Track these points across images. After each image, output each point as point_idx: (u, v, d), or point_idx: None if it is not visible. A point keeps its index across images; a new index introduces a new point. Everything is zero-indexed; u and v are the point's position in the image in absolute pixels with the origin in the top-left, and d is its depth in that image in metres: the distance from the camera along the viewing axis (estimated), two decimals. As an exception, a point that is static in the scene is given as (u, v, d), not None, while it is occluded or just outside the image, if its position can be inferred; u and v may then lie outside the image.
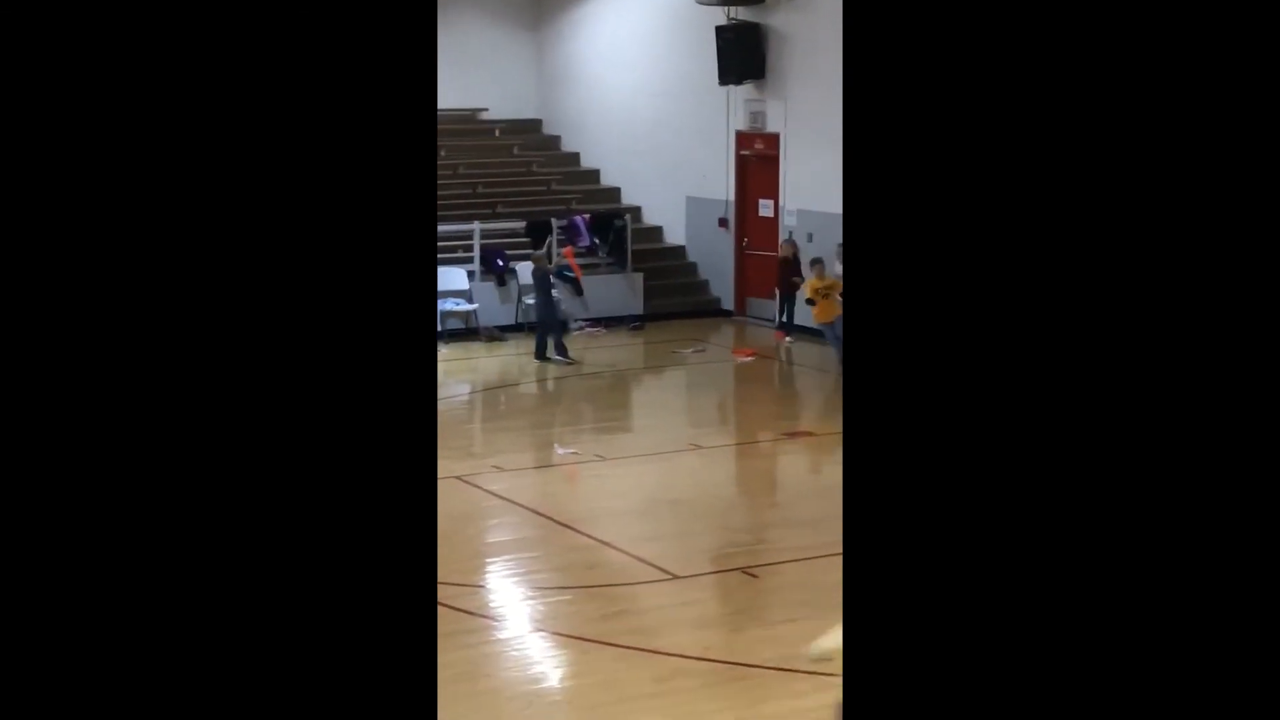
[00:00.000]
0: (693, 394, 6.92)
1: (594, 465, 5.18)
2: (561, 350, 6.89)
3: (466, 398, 6.78)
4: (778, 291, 7.41)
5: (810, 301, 6.96)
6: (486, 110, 9.31)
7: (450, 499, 4.31)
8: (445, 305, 7.32)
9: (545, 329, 7.00)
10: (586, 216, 8.29)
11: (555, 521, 4.33)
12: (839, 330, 6.48)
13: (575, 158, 9.40)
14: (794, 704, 2.77)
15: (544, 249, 7.60)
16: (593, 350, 7.39)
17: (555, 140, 9.56)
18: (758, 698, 2.88)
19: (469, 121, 9.15)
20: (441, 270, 7.08)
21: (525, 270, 7.49)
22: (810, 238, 7.39)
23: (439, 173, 7.24)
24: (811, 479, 5.11)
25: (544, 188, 8.93)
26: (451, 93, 7.62)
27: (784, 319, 7.36)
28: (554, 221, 8.03)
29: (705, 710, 2.84)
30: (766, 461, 5.67)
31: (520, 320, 7.67)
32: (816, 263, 7.08)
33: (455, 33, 8.33)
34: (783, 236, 7.61)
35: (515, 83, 9.47)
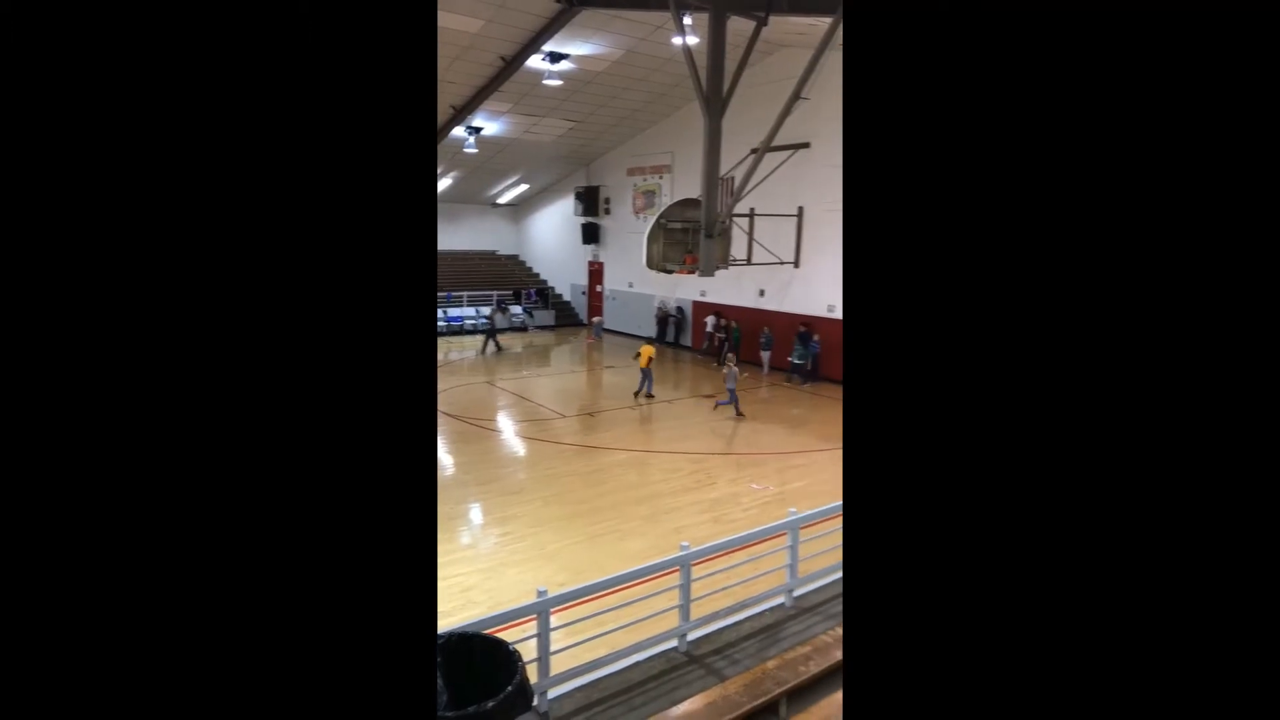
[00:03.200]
0: (574, 346, 20.62)
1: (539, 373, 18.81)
2: (497, 345, 19.13)
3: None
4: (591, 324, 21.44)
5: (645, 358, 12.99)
6: (497, 250, 23.87)
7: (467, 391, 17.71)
8: (480, 321, 21.13)
9: (491, 335, 19.67)
10: (535, 289, 22.54)
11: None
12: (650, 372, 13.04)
13: (529, 269, 23.88)
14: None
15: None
16: (538, 337, 21.21)
17: (521, 260, 24.09)
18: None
19: (489, 256, 23.58)
20: (485, 307, 21.04)
21: (515, 309, 21.48)
22: (614, 297, 21.40)
23: (482, 273, 22.15)
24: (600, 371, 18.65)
25: (518, 279, 23.23)
26: (483, 243, 22.43)
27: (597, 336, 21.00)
28: (523, 291, 22.15)
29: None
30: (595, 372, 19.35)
31: (508, 327, 21.48)
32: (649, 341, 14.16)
33: (489, 220, 23.19)
34: (606, 300, 21.63)
35: (509, 240, 24.13)
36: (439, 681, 3.20)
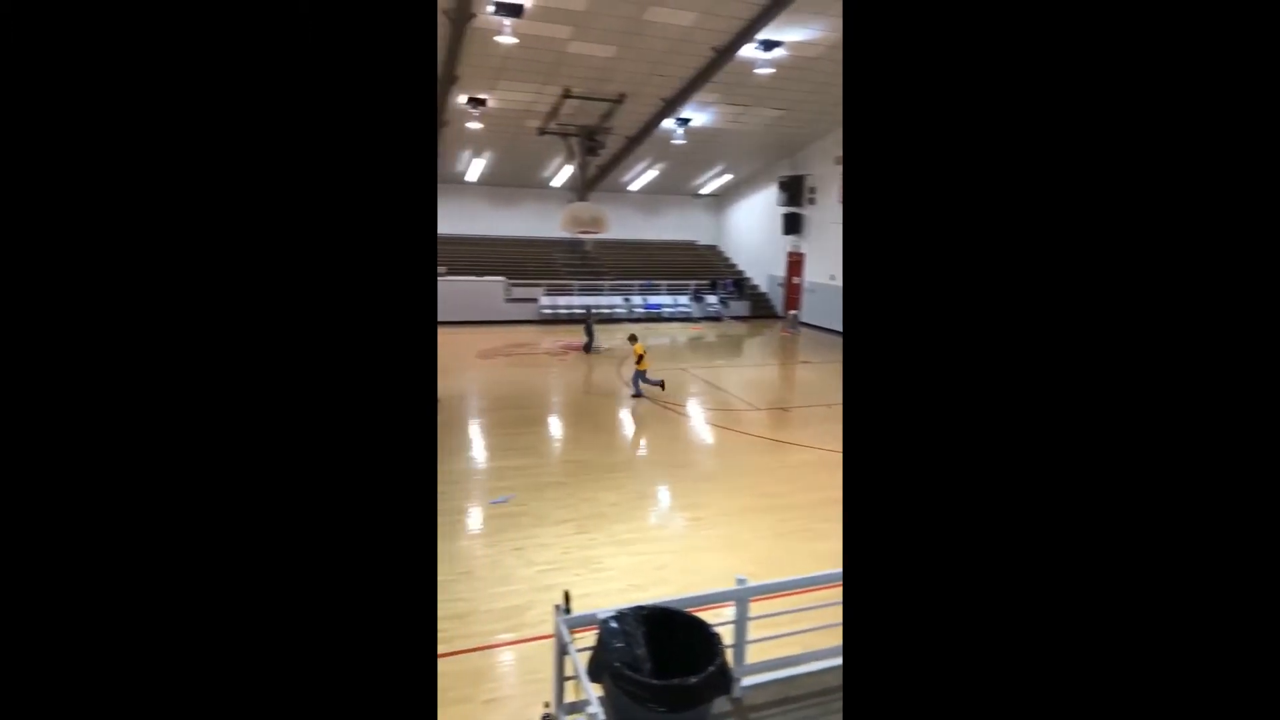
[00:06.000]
0: (770, 335, 20.33)
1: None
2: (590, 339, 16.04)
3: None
4: (790, 312, 20.93)
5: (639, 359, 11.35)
6: (696, 240, 24.33)
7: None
8: (676, 309, 21.67)
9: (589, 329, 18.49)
10: (731, 279, 22.64)
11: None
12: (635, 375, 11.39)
13: (727, 259, 24.04)
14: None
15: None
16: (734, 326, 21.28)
17: (719, 251, 24.31)
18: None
19: (690, 247, 24.10)
20: (682, 295, 21.54)
21: (710, 299, 21.76)
22: (813, 289, 20.78)
23: (680, 263, 22.75)
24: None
25: (715, 269, 23.45)
26: (683, 233, 23.00)
27: (795, 324, 20.66)
28: (719, 281, 22.34)
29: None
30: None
31: (703, 316, 21.79)
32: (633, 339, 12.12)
33: (690, 211, 23.66)
34: (806, 291, 21.09)
35: (708, 230, 24.52)
36: (642, 649, 3.34)
